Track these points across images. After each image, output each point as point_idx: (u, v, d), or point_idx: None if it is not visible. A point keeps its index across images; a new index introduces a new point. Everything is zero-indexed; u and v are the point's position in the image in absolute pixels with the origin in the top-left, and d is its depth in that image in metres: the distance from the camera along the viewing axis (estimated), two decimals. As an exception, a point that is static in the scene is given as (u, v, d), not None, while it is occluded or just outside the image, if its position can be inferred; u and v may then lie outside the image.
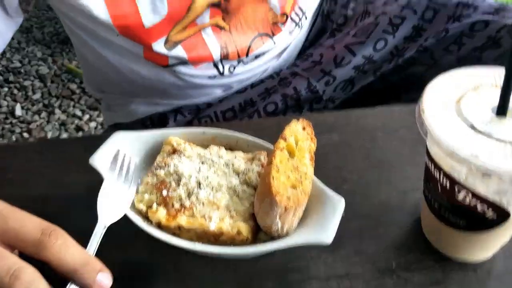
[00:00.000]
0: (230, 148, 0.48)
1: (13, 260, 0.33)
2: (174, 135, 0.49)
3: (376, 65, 0.72)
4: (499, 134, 0.34)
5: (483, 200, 0.35)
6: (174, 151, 0.46)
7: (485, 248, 0.41)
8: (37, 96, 1.92)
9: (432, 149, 0.37)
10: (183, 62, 0.65)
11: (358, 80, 0.72)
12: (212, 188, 0.42)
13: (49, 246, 0.34)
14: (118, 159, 0.45)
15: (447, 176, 0.36)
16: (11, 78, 2.01)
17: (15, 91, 1.95)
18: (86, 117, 1.82)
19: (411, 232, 0.44)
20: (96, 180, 0.42)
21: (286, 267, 0.42)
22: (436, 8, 0.71)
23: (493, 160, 0.32)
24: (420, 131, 0.37)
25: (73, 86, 1.97)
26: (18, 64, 2.08)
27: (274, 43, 0.71)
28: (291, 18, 0.73)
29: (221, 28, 0.65)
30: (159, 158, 0.46)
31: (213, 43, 0.65)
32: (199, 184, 0.43)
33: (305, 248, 0.39)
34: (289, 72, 0.73)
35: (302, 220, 0.41)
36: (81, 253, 0.35)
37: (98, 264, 0.35)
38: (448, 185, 0.36)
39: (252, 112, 0.70)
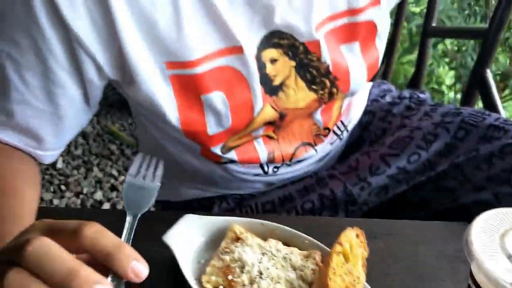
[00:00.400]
0: (285, 242, 0.54)
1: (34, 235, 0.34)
2: (236, 222, 0.55)
3: (410, 176, 0.76)
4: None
5: (523, 330, 0.38)
6: (238, 238, 0.52)
7: None
8: (79, 152, 2.03)
9: (477, 275, 0.42)
10: (233, 161, 0.72)
11: (392, 188, 0.76)
12: (272, 279, 0.47)
13: (84, 231, 0.34)
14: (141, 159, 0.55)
15: (491, 302, 0.40)
16: (57, 131, 2.13)
17: (59, 145, 2.06)
18: (122, 177, 1.91)
19: None
20: (167, 255, 0.48)
21: None
22: (468, 128, 0.75)
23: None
24: (467, 256, 0.42)
25: (113, 147, 2.08)
26: (65, 119, 2.21)
27: (316, 151, 0.78)
28: (333, 131, 0.80)
29: (270, 138, 0.73)
30: (223, 244, 0.52)
31: (262, 149, 0.73)
32: (260, 273, 0.48)
33: None
34: (327, 173, 0.78)
35: (354, 323, 0.45)
36: (116, 239, 0.35)
37: (133, 252, 0.35)
38: (491, 310, 0.40)
39: (291, 207, 0.75)
